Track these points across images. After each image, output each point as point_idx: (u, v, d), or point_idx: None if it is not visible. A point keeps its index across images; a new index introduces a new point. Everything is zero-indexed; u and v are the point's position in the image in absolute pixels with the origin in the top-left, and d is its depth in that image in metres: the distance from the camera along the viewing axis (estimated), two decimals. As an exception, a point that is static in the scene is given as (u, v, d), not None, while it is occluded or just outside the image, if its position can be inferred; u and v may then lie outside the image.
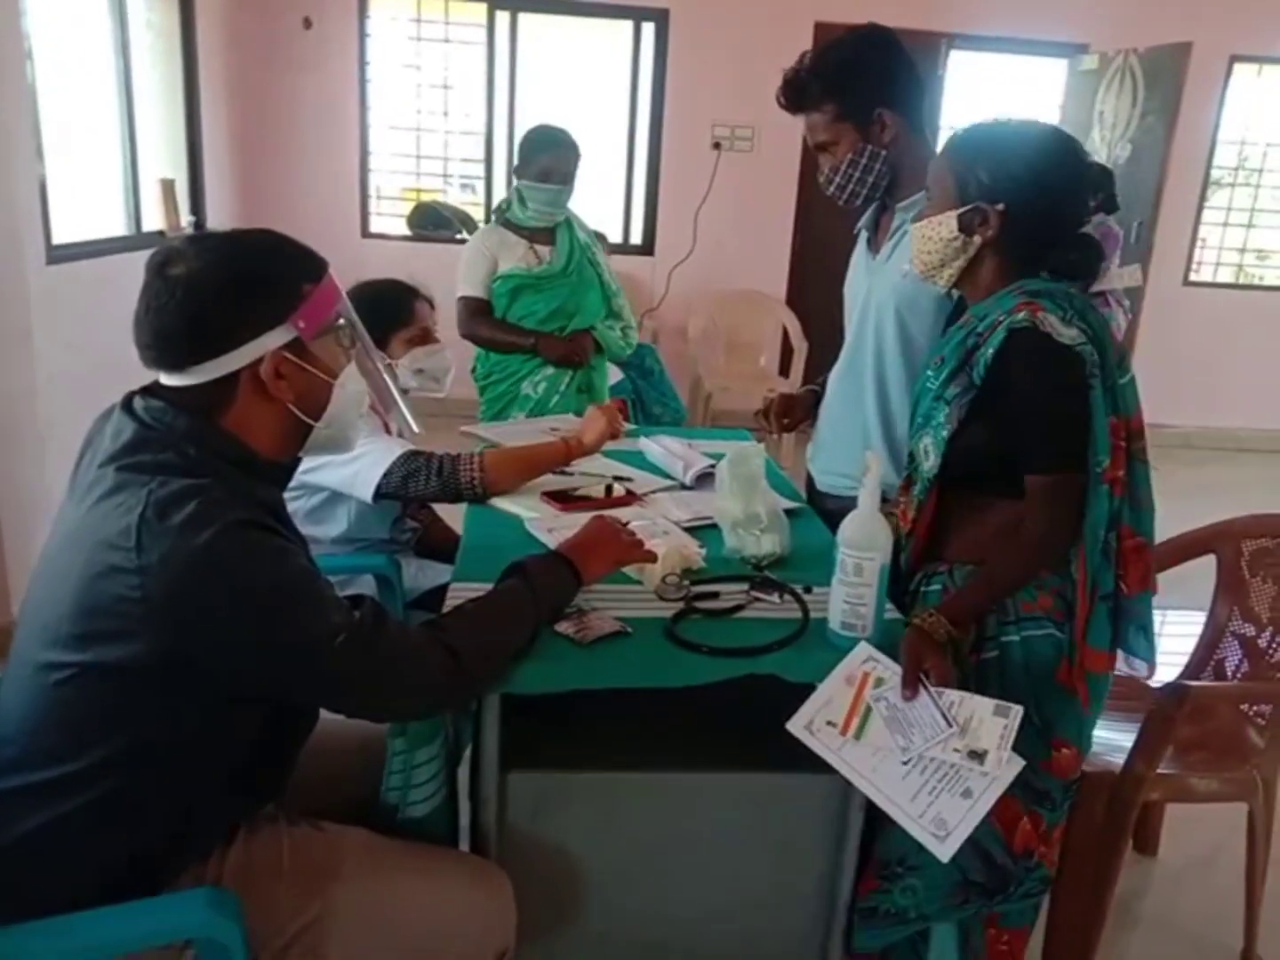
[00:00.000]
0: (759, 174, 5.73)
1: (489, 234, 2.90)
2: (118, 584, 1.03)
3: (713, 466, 2.10)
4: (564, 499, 1.94)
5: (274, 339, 1.14)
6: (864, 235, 2.04)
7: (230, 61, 5.26)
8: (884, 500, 1.92)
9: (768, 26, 5.46)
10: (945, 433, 1.48)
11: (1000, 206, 1.46)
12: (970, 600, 1.46)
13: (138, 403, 1.15)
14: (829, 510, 1.99)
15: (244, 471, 1.14)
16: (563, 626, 1.41)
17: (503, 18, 5.50)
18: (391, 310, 2.15)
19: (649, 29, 5.61)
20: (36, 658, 1.09)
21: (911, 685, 1.32)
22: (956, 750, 1.28)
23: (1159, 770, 1.83)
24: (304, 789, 1.35)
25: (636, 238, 5.94)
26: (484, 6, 5.47)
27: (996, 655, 1.47)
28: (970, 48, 5.80)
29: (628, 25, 5.62)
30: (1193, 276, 6.20)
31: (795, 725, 1.36)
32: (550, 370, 2.85)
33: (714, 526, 1.84)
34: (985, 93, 6.02)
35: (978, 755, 1.27)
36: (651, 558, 1.57)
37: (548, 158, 2.74)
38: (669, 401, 5.05)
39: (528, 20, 5.56)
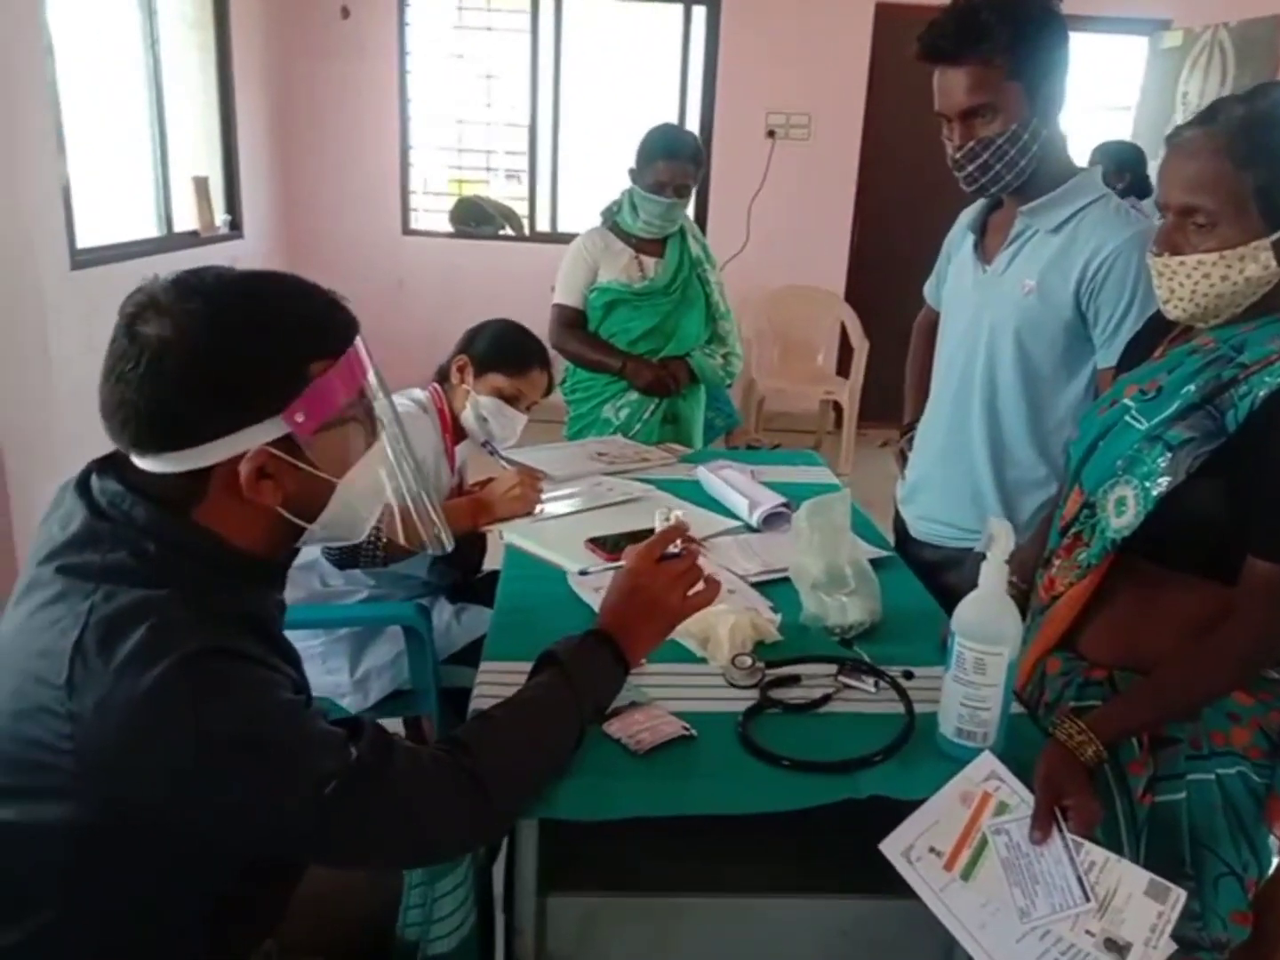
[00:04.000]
0: (815, 163, 5.43)
1: (594, 237, 2.61)
2: (45, 729, 0.81)
3: (784, 505, 1.85)
4: (613, 548, 1.67)
5: (259, 435, 0.89)
6: (969, 238, 1.74)
7: (266, 54, 5.09)
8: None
9: (824, 9, 5.17)
10: (1163, 486, 1.13)
11: None
12: (1135, 714, 1.16)
13: (95, 483, 0.91)
14: (925, 561, 1.72)
15: (219, 575, 0.90)
16: (613, 728, 1.17)
17: (547, 3, 5.26)
18: (509, 354, 2.02)
19: (700, 12, 5.32)
20: None
21: (1044, 825, 1.05)
22: (1090, 934, 1.00)
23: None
24: (307, 918, 1.12)
25: (687, 232, 5.67)
26: (527, -9, 5.24)
27: (1184, 798, 1.16)
28: (1043, 26, 5.43)
29: (678, 9, 5.34)
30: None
31: (891, 849, 1.09)
32: (634, 395, 2.60)
33: (786, 580, 1.58)
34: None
35: (1118, 948, 0.98)
36: (714, 593, 1.21)
37: (664, 166, 2.44)
38: (721, 406, 4.77)
39: (573, 5, 5.31)
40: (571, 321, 2.60)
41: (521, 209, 5.63)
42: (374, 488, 1.00)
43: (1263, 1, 4.68)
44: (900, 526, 1.88)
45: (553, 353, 2.54)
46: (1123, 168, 3.97)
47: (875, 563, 1.68)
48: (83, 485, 0.92)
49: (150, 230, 4.13)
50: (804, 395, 5.44)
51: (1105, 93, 5.72)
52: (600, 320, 2.59)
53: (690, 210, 5.48)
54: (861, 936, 1.24)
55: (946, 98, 1.53)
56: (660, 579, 1.16)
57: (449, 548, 1.11)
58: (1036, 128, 1.51)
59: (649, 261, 2.57)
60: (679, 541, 1.19)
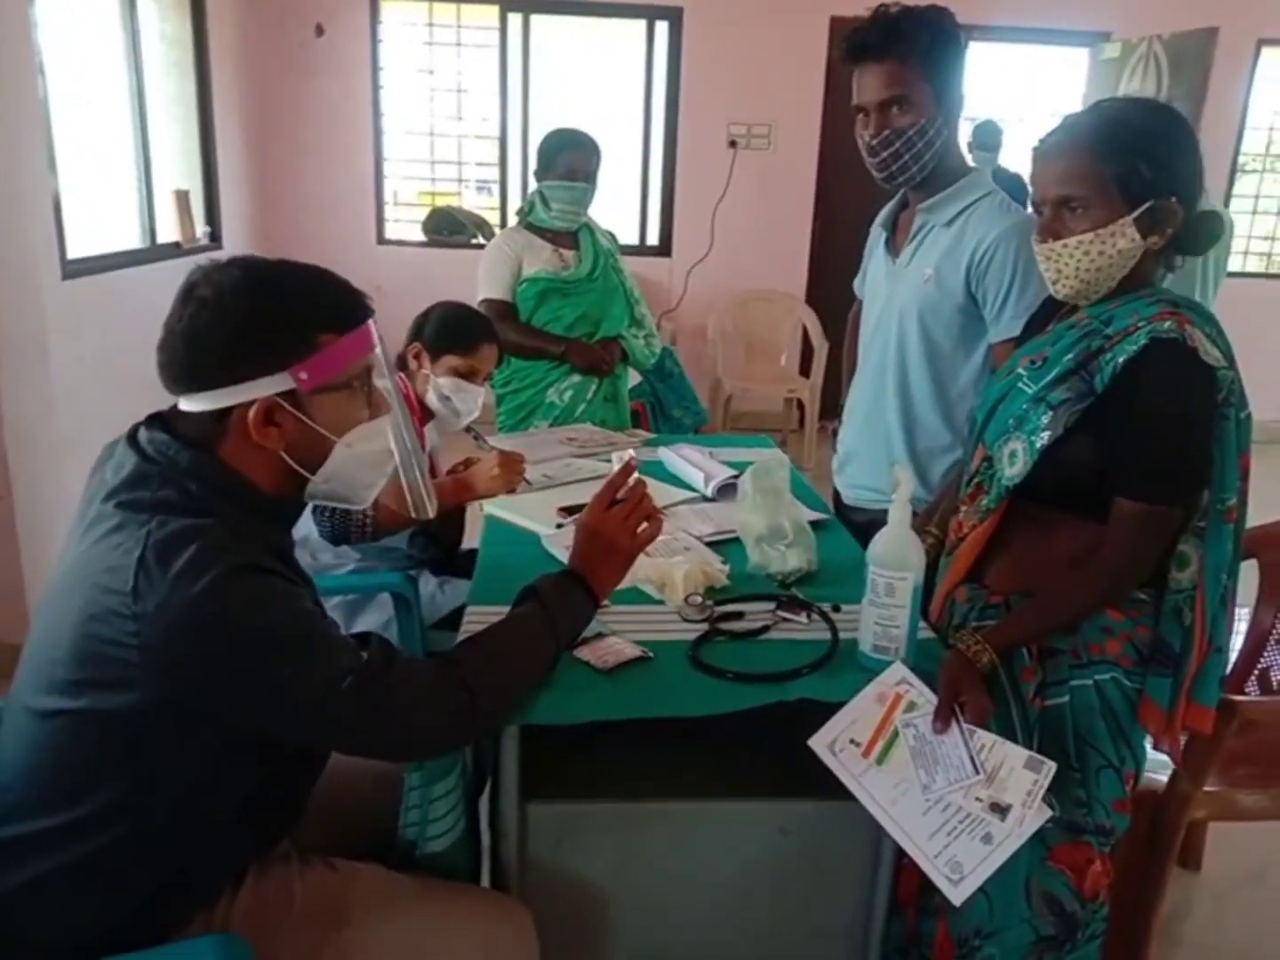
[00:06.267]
0: (776, 171, 5.66)
1: (513, 235, 2.82)
2: (114, 629, 1.00)
3: (735, 477, 2.05)
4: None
5: (268, 385, 1.08)
6: (881, 235, 1.97)
7: (243, 70, 5.24)
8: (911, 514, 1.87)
9: (782, 22, 5.40)
10: (1044, 439, 1.34)
11: (1174, 199, 1.31)
12: (1021, 628, 1.37)
13: (142, 435, 1.11)
14: (857, 524, 1.93)
15: (248, 511, 1.10)
16: (582, 653, 1.37)
17: (515, 20, 5.46)
18: (457, 333, 2.19)
19: (662, 27, 5.54)
20: (31, 702, 1.05)
21: (945, 717, 1.26)
22: (979, 800, 1.21)
23: (1205, 788, 1.75)
24: (319, 823, 1.30)
25: (653, 239, 5.88)
26: (496, 9, 5.43)
27: (1067, 700, 1.38)
28: (988, 39, 5.67)
29: (641, 24, 5.56)
30: (1221, 266, 6.06)
31: (818, 743, 1.30)
32: (577, 378, 2.78)
33: (737, 541, 1.78)
34: (1003, 85, 5.92)
35: (1000, 809, 1.20)
36: (659, 526, 1.39)
37: (571, 156, 2.68)
38: (689, 404, 4.97)
39: (540, 21, 5.52)
40: (503, 313, 2.72)
41: (493, 219, 5.82)
42: (372, 457, 1.19)
43: (1194, 15, 4.96)
44: (836, 496, 2.10)
45: None
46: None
47: (814, 524, 1.89)
48: (132, 438, 1.11)
49: (134, 242, 4.28)
50: (768, 394, 5.66)
51: (1050, 101, 6.00)
52: (533, 311, 2.76)
53: (655, 219, 5.79)
54: (800, 833, 1.44)
55: (866, 91, 1.75)
56: (610, 523, 1.35)
57: (432, 514, 1.31)
58: (940, 127, 1.74)
59: (568, 253, 2.78)
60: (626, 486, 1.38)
